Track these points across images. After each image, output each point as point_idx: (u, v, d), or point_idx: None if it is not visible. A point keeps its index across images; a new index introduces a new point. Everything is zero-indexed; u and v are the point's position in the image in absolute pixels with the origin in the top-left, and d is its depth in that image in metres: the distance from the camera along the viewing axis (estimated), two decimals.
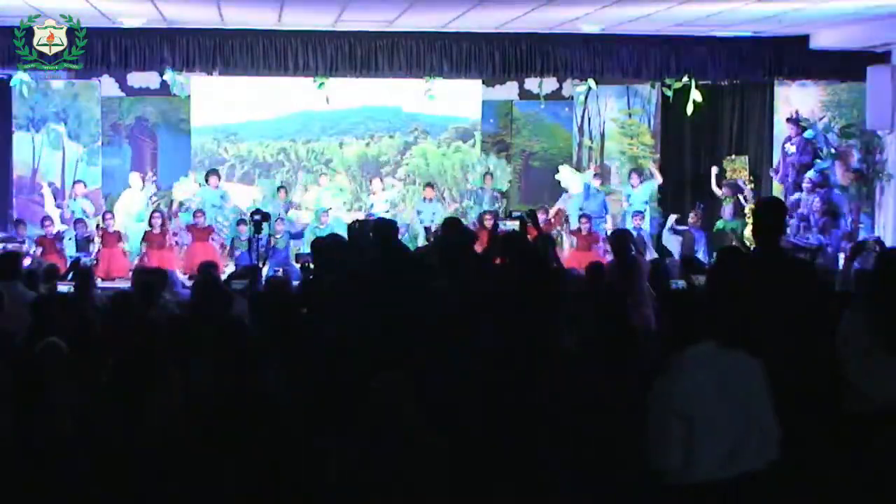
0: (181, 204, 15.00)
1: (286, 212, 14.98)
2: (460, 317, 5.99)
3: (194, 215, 14.15)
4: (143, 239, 13.93)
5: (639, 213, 14.57)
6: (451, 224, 7.61)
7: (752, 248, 13.41)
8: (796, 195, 14.21)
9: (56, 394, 4.95)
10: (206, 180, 14.88)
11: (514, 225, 7.33)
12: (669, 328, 4.11)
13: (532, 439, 4.91)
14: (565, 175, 15.65)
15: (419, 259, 7.80)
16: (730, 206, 14.58)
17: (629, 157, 16.08)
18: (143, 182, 15.29)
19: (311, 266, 8.24)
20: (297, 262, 12.76)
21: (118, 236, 14.00)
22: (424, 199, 15.19)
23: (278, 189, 15.24)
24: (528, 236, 7.76)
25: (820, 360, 4.94)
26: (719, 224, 14.62)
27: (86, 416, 4.88)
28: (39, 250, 13.37)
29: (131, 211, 14.83)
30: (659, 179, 15.26)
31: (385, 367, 4.67)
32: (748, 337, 4.19)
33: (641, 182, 15.11)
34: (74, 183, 14.77)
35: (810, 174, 14.13)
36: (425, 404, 4.45)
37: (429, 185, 15.31)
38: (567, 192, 15.49)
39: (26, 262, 11.84)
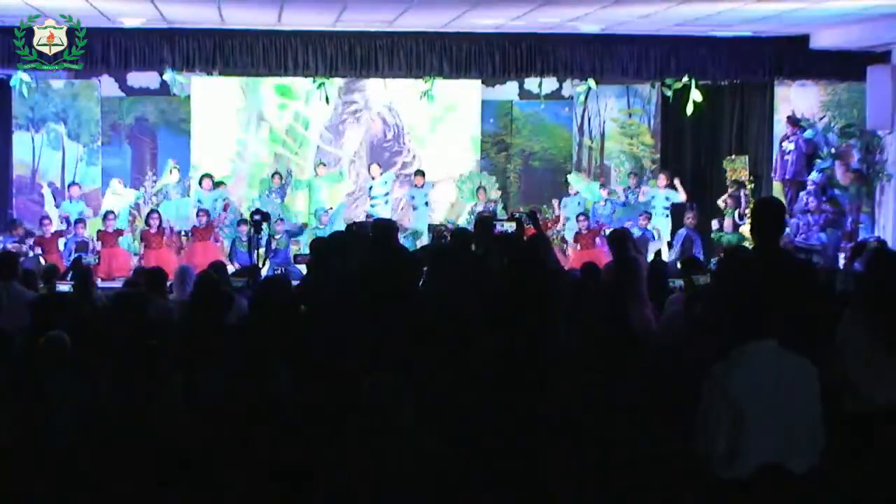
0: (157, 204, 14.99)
1: (281, 199, 14.98)
2: (458, 317, 5.99)
3: (197, 215, 14.13)
4: (141, 238, 13.91)
5: (645, 213, 14.57)
6: (462, 234, 7.73)
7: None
8: (797, 194, 14.22)
9: (58, 388, 4.94)
10: (200, 183, 14.86)
11: (510, 226, 7.34)
12: (735, 320, 4.11)
13: (531, 440, 4.91)
14: (575, 183, 15.63)
15: (418, 259, 7.80)
16: (729, 220, 14.48)
17: (629, 156, 16.09)
18: (124, 187, 15.27)
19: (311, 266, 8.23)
20: (296, 262, 12.79)
21: (118, 234, 13.99)
22: (416, 185, 15.25)
23: (273, 175, 15.24)
24: (525, 236, 7.76)
25: (821, 359, 4.94)
26: (721, 236, 14.55)
27: (87, 416, 4.88)
28: (38, 250, 13.37)
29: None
30: (682, 197, 14.99)
31: (383, 367, 4.67)
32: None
33: (667, 186, 14.96)
34: (70, 185, 14.77)
35: (813, 175, 14.13)
36: (423, 405, 4.45)
37: (419, 172, 15.33)
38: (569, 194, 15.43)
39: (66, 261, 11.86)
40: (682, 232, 14.55)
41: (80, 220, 14.04)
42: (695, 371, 4.25)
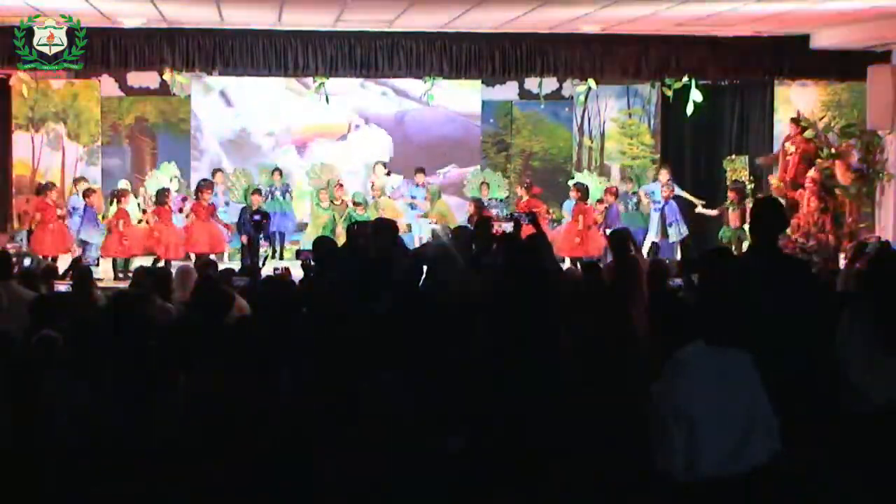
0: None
1: (283, 196, 14.94)
2: (457, 317, 5.99)
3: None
4: (158, 213, 13.86)
5: (612, 189, 14.69)
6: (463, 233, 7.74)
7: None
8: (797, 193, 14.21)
9: (53, 388, 4.94)
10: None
11: (508, 226, 7.37)
12: (658, 332, 4.15)
13: (531, 439, 4.91)
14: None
15: (419, 259, 7.80)
16: (736, 213, 14.40)
17: (630, 156, 16.10)
18: (132, 185, 15.26)
19: (312, 264, 8.24)
20: (298, 258, 12.80)
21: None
22: (417, 184, 15.22)
23: (273, 171, 15.21)
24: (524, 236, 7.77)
25: (820, 359, 4.94)
26: (724, 233, 14.52)
27: (87, 416, 4.87)
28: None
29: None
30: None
31: (383, 366, 4.67)
32: (744, 336, 4.20)
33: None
34: (76, 180, 14.66)
35: (811, 174, 14.12)
36: (422, 405, 4.45)
37: (420, 170, 15.31)
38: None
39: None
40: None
41: (91, 190, 14.00)
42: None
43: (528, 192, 14.63)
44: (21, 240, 13.72)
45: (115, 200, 13.90)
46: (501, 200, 15.57)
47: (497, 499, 4.62)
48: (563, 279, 7.60)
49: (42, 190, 13.86)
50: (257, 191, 14.45)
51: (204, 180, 14.39)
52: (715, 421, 3.89)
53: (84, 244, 13.67)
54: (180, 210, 14.19)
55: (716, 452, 3.89)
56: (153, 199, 14.25)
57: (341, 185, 15.07)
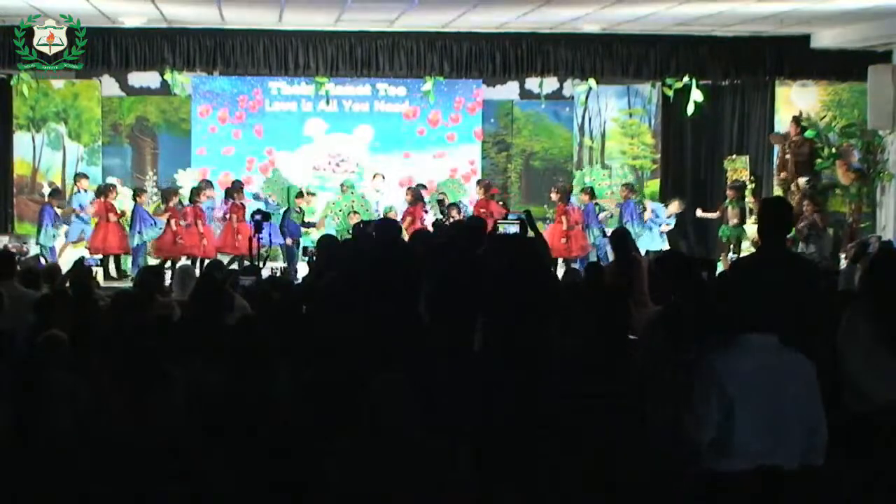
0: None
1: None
2: (459, 317, 5.99)
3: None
4: (192, 215, 13.82)
5: (587, 189, 14.74)
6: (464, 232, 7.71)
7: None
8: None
9: (57, 387, 4.94)
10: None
11: (513, 227, 7.36)
12: (733, 309, 4.09)
13: (531, 439, 4.91)
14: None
15: (420, 259, 7.79)
16: (735, 212, 14.35)
17: (630, 156, 16.10)
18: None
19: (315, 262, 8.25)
20: (304, 255, 12.77)
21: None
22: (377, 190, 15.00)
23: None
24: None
25: (822, 359, 4.94)
26: (723, 231, 14.49)
27: (88, 414, 4.88)
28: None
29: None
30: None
31: (384, 367, 4.67)
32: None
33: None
34: (77, 176, 14.59)
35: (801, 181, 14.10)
36: (424, 405, 4.45)
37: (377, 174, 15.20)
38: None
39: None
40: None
41: (141, 190, 14.05)
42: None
43: (485, 193, 14.47)
44: (23, 242, 13.70)
45: (163, 200, 13.92)
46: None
47: (497, 499, 4.63)
48: (563, 279, 7.60)
49: (102, 191, 13.87)
50: (300, 194, 14.35)
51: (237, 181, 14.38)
52: (752, 410, 3.87)
53: (141, 246, 13.64)
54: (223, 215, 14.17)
55: (747, 444, 3.88)
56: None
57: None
